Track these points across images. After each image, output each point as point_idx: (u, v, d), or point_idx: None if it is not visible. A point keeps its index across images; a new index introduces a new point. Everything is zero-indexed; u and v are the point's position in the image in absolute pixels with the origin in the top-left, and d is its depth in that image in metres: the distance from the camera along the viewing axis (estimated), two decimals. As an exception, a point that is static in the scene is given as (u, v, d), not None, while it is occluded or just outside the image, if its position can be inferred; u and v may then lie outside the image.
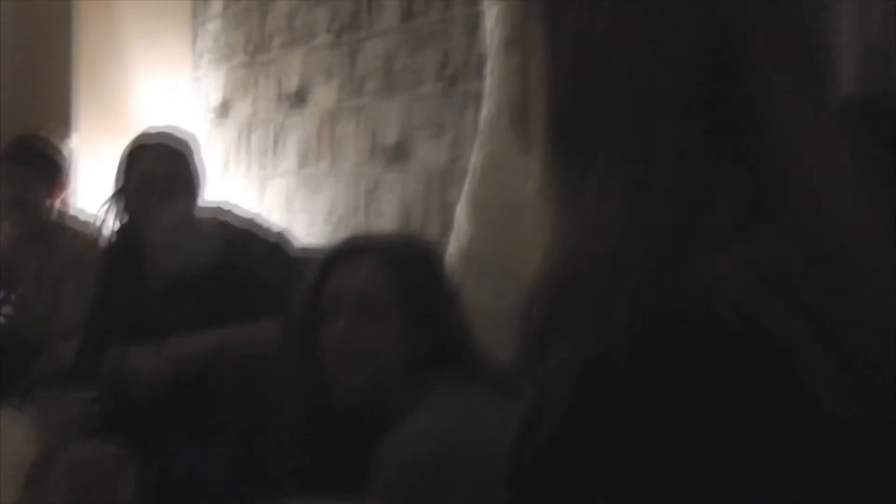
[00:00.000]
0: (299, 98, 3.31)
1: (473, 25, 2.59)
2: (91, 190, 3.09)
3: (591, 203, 0.54)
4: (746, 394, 0.47)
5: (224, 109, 3.73)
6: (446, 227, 2.66)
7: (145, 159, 2.02)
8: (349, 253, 1.33)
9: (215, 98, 3.79)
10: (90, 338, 2.05)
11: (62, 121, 3.59)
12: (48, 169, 2.57)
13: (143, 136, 2.14)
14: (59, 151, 2.65)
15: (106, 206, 2.08)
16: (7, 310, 2.59)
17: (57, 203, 2.64)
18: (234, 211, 2.23)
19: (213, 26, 3.80)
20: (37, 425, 1.42)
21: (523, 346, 0.58)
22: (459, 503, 1.12)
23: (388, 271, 1.27)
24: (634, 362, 0.47)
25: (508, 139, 2.29)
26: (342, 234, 3.08)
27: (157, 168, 2.00)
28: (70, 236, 2.59)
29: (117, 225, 2.08)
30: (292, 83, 3.34)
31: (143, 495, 1.12)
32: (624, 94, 0.54)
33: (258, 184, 3.52)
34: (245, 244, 2.06)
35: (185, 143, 2.11)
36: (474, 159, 2.20)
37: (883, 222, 0.54)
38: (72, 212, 2.84)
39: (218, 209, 2.29)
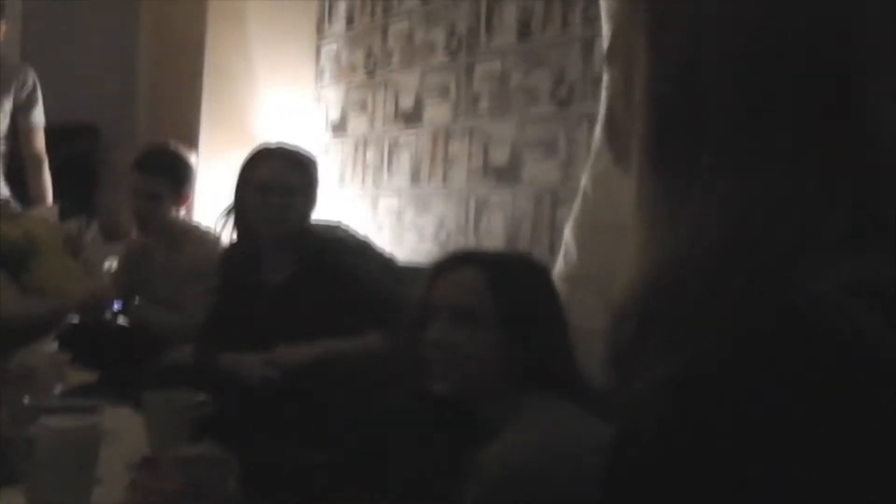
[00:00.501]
0: (414, 115, 3.36)
1: (589, 45, 2.57)
2: (213, 200, 3.23)
3: (693, 215, 0.52)
4: (850, 413, 0.44)
5: (342, 125, 3.83)
6: (555, 246, 2.64)
7: (265, 168, 2.09)
8: (454, 263, 1.37)
9: (334, 114, 3.89)
10: (208, 340, 2.14)
11: (189, 133, 3.77)
12: (175, 179, 2.69)
13: (263, 147, 2.21)
14: (185, 162, 2.78)
15: (226, 213, 2.17)
16: (131, 314, 2.73)
17: (182, 211, 2.76)
18: (350, 228, 2.30)
19: (335, 45, 3.92)
20: (149, 425, 1.49)
21: (615, 361, 0.56)
22: None
23: (488, 282, 1.30)
24: (733, 380, 0.45)
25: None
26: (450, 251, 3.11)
27: (276, 177, 2.07)
28: (193, 243, 2.71)
29: (236, 231, 2.17)
30: (408, 101, 3.40)
31: (248, 491, 1.15)
32: (733, 105, 0.52)
33: (371, 199, 3.59)
34: (359, 256, 2.12)
35: (303, 156, 2.18)
36: (584, 180, 2.18)
37: None
38: (195, 220, 2.97)
39: (336, 224, 2.36)
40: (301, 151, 2.21)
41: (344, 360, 1.86)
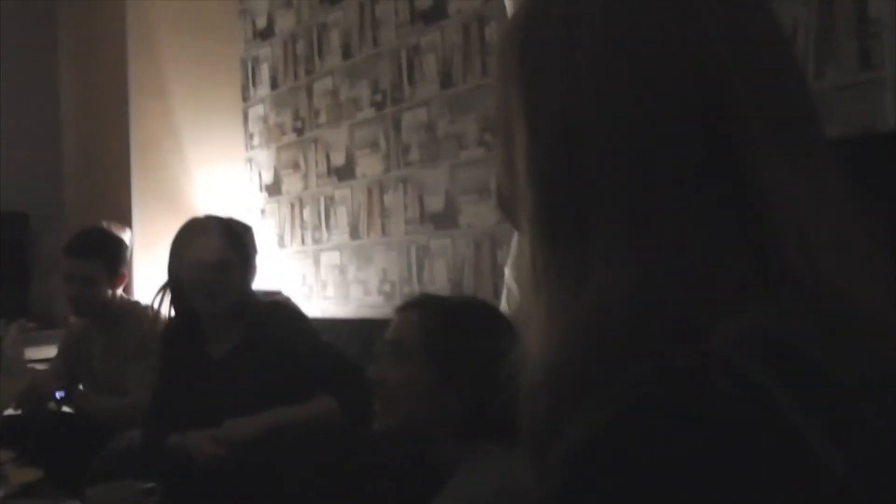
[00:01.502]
0: (347, 170, 3.37)
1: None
2: (152, 276, 3.18)
3: (592, 285, 0.53)
4: (754, 465, 0.45)
5: (276, 186, 3.83)
6: (498, 289, 2.65)
7: (198, 245, 2.07)
8: (405, 306, 1.39)
9: (267, 176, 3.88)
10: (155, 421, 2.09)
11: (121, 210, 3.72)
12: (107, 260, 2.64)
13: (194, 221, 2.19)
14: (117, 241, 2.74)
15: (161, 290, 2.14)
16: (74, 401, 2.66)
17: (118, 291, 2.71)
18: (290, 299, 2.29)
19: (261, 107, 3.92)
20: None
21: (532, 432, 0.56)
22: None
23: (421, 321, 1.31)
24: (622, 447, 0.46)
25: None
26: (396, 302, 3.10)
27: (211, 253, 2.05)
28: (132, 323, 2.66)
29: (174, 308, 2.13)
30: (339, 157, 3.41)
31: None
32: (615, 174, 0.53)
33: (312, 257, 3.57)
34: (303, 323, 2.11)
35: (236, 226, 2.16)
36: (519, 221, 2.21)
37: (887, 275, 0.52)
38: (133, 299, 2.92)
39: (277, 293, 2.36)
40: (234, 222, 2.19)
41: (294, 427, 1.83)
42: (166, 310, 2.21)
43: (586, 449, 0.47)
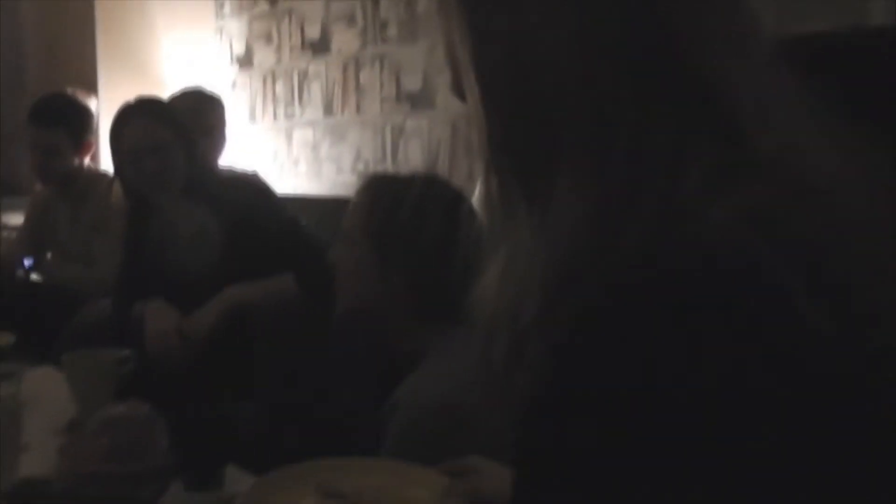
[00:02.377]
0: (322, 45, 3.27)
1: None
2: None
3: (561, 205, 0.53)
4: (753, 338, 0.45)
5: (247, 58, 3.71)
6: (473, 172, 2.64)
7: (128, 133, 1.96)
8: (358, 189, 1.38)
9: (238, 47, 3.76)
10: (122, 292, 2.09)
11: (87, 78, 3.60)
12: (74, 128, 2.57)
13: (123, 107, 2.04)
14: (83, 109, 2.66)
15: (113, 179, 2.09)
16: (43, 270, 2.64)
17: (85, 161, 2.66)
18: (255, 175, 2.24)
19: (233, -26, 3.76)
20: (73, 386, 1.45)
21: (495, 353, 0.56)
22: (468, 447, 1.13)
23: (368, 204, 1.30)
24: (634, 316, 0.46)
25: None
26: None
27: (143, 139, 1.94)
28: (99, 192, 2.61)
29: (127, 194, 2.07)
30: (314, 30, 3.30)
31: (179, 448, 1.15)
32: (570, 95, 0.53)
33: (284, 132, 3.51)
34: (271, 201, 2.07)
35: (166, 105, 2.07)
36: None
37: (844, 155, 0.53)
38: (100, 169, 2.87)
39: (252, 174, 2.31)
40: (163, 100, 2.08)
41: (252, 307, 1.83)
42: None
43: (587, 321, 0.47)
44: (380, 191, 1.35)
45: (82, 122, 2.61)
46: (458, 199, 1.38)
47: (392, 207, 1.30)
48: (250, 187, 2.10)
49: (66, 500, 1.03)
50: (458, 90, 0.64)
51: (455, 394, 1.17)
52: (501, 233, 0.58)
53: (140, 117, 1.96)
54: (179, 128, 1.99)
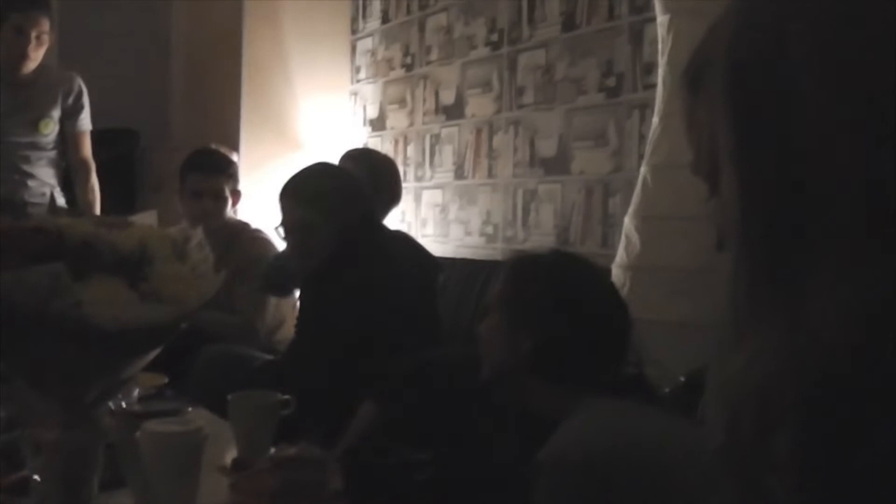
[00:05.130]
0: (456, 109, 3.36)
1: (638, 35, 2.56)
2: (254, 201, 3.24)
3: (821, 300, 0.52)
4: None
5: (380, 121, 3.84)
6: (607, 237, 2.64)
7: (282, 206, 2.07)
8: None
9: (372, 110, 3.90)
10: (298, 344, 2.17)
11: (229, 134, 3.79)
12: (233, 178, 2.72)
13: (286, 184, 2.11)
14: (234, 162, 2.81)
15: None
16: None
17: (233, 212, 2.78)
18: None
19: (370, 41, 3.92)
20: (236, 423, 1.50)
21: (736, 443, 0.56)
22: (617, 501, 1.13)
23: (504, 275, 1.40)
24: None
25: (677, 151, 2.21)
26: (497, 244, 3.11)
27: (285, 220, 2.05)
28: (245, 243, 2.73)
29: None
30: (449, 95, 3.40)
31: (352, 490, 1.17)
32: (840, 186, 0.52)
33: (414, 193, 3.59)
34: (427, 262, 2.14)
35: (312, 189, 2.07)
36: (643, 171, 2.17)
37: None
38: (243, 220, 2.99)
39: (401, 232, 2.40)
40: (317, 180, 2.09)
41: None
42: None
43: None
44: (516, 264, 1.46)
45: (236, 173, 2.76)
46: (583, 265, 1.44)
47: (523, 278, 1.40)
48: (415, 249, 2.17)
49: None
50: (705, 173, 0.64)
51: (599, 451, 1.18)
52: (747, 321, 0.58)
53: (286, 198, 2.05)
54: (323, 205, 2.01)
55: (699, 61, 0.65)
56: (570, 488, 1.15)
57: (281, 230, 2.07)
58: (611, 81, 2.65)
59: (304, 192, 2.05)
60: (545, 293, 1.34)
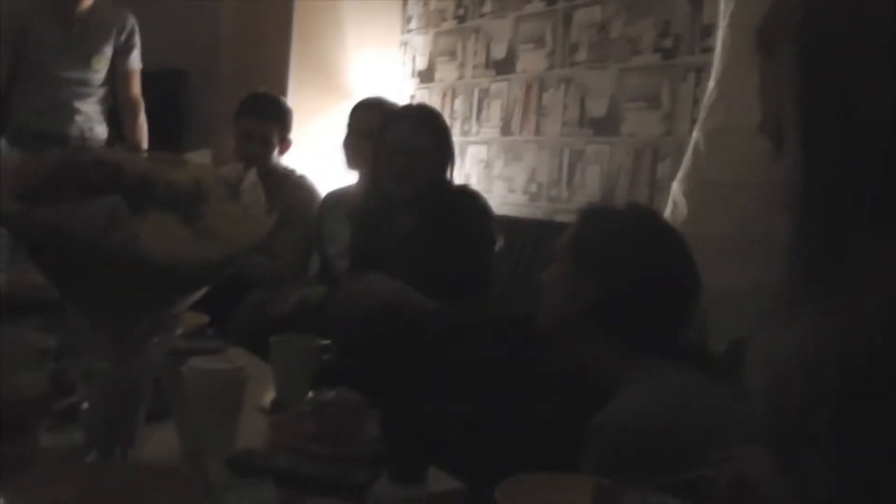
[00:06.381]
0: (506, 64, 3.31)
1: (699, -6, 2.49)
2: (301, 149, 3.24)
3: (875, 270, 0.51)
4: None
5: (429, 73, 3.81)
6: (654, 201, 2.60)
7: (395, 131, 2.17)
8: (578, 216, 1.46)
9: (421, 62, 3.86)
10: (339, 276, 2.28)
11: (277, 81, 3.78)
12: (284, 125, 2.74)
13: (398, 108, 2.38)
14: (290, 110, 2.82)
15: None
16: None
17: (282, 157, 2.80)
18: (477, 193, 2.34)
19: (423, -9, 3.87)
20: (276, 369, 1.52)
21: (780, 425, 0.55)
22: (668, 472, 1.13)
23: (577, 224, 1.39)
24: None
25: (733, 117, 2.15)
26: (541, 203, 3.09)
27: (405, 140, 2.14)
28: (290, 189, 2.74)
29: (370, 185, 2.27)
30: (500, 49, 3.35)
31: (386, 439, 1.18)
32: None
33: (459, 148, 3.56)
34: (477, 221, 2.17)
35: (434, 118, 2.25)
36: (695, 135, 2.13)
37: None
38: (290, 167, 3.00)
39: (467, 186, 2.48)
40: (433, 114, 2.28)
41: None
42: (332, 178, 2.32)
43: None
44: (589, 214, 1.43)
45: (289, 121, 2.77)
46: (663, 231, 1.40)
47: (594, 228, 1.38)
48: (471, 203, 2.21)
49: (286, 475, 1.07)
50: (772, 133, 0.63)
51: (662, 418, 1.17)
52: (801, 297, 0.57)
53: (404, 119, 2.21)
54: (435, 137, 2.19)
55: (774, 21, 0.63)
56: (625, 457, 1.15)
57: (387, 154, 2.13)
58: (667, 42, 2.60)
59: (427, 120, 2.22)
60: (617, 245, 1.32)
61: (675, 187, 2.17)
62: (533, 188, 3.14)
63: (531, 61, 3.17)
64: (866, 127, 0.54)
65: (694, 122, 2.23)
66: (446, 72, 3.69)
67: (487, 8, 3.44)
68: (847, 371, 0.51)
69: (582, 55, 2.93)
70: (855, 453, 0.49)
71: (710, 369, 1.31)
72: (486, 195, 3.35)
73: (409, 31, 3.96)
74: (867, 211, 0.54)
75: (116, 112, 3.31)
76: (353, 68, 3.85)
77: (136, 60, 3.27)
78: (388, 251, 2.14)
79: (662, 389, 1.23)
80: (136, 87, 3.29)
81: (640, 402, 1.22)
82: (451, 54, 3.66)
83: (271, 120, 2.71)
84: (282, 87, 3.72)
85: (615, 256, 1.32)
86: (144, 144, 3.29)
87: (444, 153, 2.20)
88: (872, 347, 0.50)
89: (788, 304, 0.59)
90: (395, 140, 2.16)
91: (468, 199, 2.23)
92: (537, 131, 3.13)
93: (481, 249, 2.17)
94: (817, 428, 0.51)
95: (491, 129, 3.39)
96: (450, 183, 2.24)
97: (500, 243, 2.25)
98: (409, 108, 2.36)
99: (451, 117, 3.61)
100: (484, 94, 3.44)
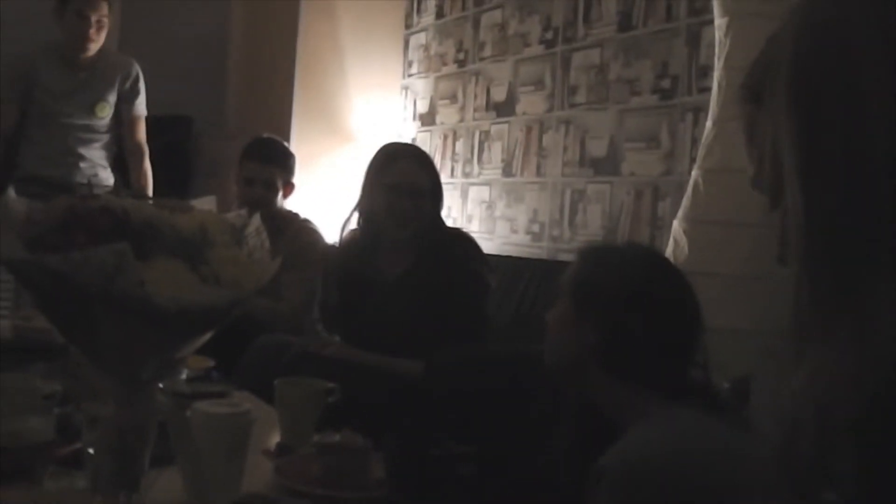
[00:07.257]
0: (507, 107, 3.36)
1: (695, 37, 2.53)
2: (304, 191, 3.27)
3: (886, 309, 0.51)
4: None
5: (430, 116, 3.85)
6: (655, 240, 2.61)
7: (396, 169, 2.14)
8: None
9: (422, 105, 3.91)
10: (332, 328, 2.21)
11: (281, 124, 3.83)
12: (287, 169, 2.76)
13: (392, 146, 2.28)
14: (292, 154, 2.85)
15: (354, 209, 2.23)
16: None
17: (286, 201, 2.82)
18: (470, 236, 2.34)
19: (424, 35, 3.93)
20: (282, 409, 1.52)
21: (793, 466, 0.55)
22: None
23: (576, 263, 1.38)
24: None
25: (731, 156, 2.18)
26: (543, 243, 3.10)
27: (407, 179, 2.12)
28: (294, 232, 2.76)
29: (361, 226, 2.21)
30: (500, 92, 3.40)
31: (394, 481, 1.18)
32: None
33: (461, 190, 3.60)
34: (473, 263, 2.15)
35: (428, 156, 2.23)
36: (694, 174, 2.15)
37: None
38: (293, 210, 3.02)
39: (460, 229, 2.46)
40: (426, 153, 2.27)
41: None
42: (348, 229, 2.29)
43: None
44: (591, 252, 1.42)
45: (292, 165, 2.80)
46: (658, 260, 1.40)
47: (596, 267, 1.37)
48: (464, 245, 2.19)
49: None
50: (767, 186, 0.63)
51: (670, 460, 1.17)
52: (810, 336, 0.57)
53: (406, 158, 2.17)
54: (435, 177, 2.18)
55: (761, 72, 0.64)
56: (632, 499, 1.14)
57: (386, 193, 2.11)
58: (665, 83, 2.63)
59: (429, 162, 2.22)
60: (618, 284, 1.31)
61: (676, 225, 2.18)
62: (535, 228, 3.16)
63: (531, 103, 3.21)
64: (869, 164, 0.54)
65: (693, 161, 2.26)
66: (447, 115, 3.73)
67: (487, 52, 3.49)
68: (863, 409, 0.51)
69: (581, 97, 2.97)
70: (878, 491, 0.49)
71: (715, 407, 1.30)
72: (488, 235, 3.39)
73: (410, 76, 4.02)
74: (874, 249, 0.54)
75: (122, 158, 3.34)
76: (356, 112, 3.90)
77: (140, 107, 3.32)
78: (377, 293, 2.12)
79: (670, 430, 1.22)
80: (141, 133, 3.33)
81: (648, 444, 1.21)
82: (452, 97, 3.71)
83: (275, 164, 2.73)
84: (285, 132, 3.77)
85: (614, 295, 1.32)
86: (149, 189, 3.32)
87: (438, 194, 2.19)
88: (887, 384, 0.50)
89: (795, 343, 0.58)
90: (396, 179, 2.12)
91: (463, 242, 2.22)
92: (538, 172, 3.16)
93: (476, 295, 2.14)
94: (836, 467, 0.51)
95: (492, 171, 3.42)
96: (445, 225, 2.24)
97: (493, 287, 2.24)
98: (406, 146, 2.33)
99: (453, 159, 3.65)
100: (485, 136, 3.48)
